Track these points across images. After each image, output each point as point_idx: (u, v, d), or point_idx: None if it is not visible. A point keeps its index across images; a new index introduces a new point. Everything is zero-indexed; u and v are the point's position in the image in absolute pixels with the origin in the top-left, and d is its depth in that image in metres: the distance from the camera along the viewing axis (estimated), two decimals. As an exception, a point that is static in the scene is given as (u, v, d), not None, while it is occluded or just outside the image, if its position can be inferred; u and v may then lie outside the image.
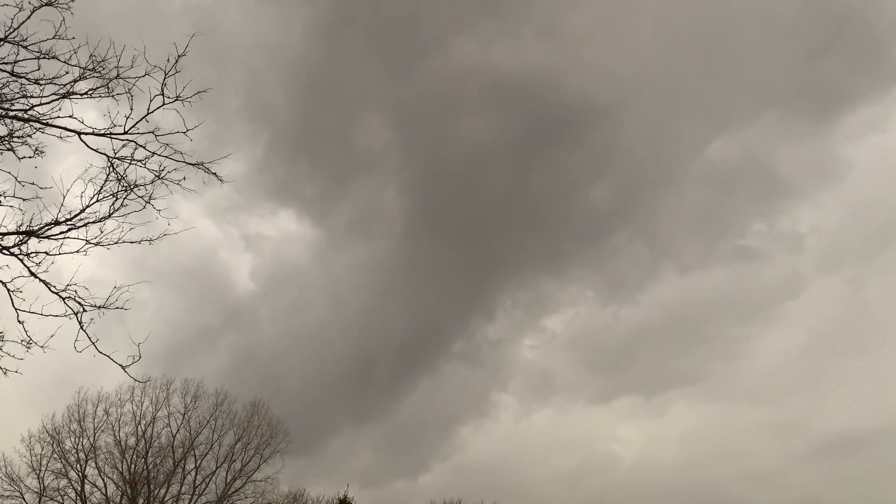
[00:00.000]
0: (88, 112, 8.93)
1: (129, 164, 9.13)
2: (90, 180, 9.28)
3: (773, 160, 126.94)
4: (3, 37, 8.53)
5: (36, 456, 48.90)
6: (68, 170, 9.20)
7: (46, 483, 48.57)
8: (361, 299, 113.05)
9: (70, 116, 8.75)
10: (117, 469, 51.05)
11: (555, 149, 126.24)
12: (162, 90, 8.85)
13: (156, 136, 8.95)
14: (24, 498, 47.84)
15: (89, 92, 8.76)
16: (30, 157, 9.03)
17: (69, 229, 9.26)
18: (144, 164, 9.13)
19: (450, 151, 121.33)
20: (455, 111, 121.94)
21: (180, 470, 52.17)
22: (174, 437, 52.59)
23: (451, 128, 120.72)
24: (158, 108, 8.88)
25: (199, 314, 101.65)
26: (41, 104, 8.80)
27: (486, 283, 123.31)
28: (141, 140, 9.02)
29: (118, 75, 8.84)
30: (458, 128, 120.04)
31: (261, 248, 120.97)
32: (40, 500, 48.00)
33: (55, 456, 49.65)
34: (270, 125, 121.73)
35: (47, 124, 8.81)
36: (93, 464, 50.48)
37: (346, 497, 43.61)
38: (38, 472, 48.58)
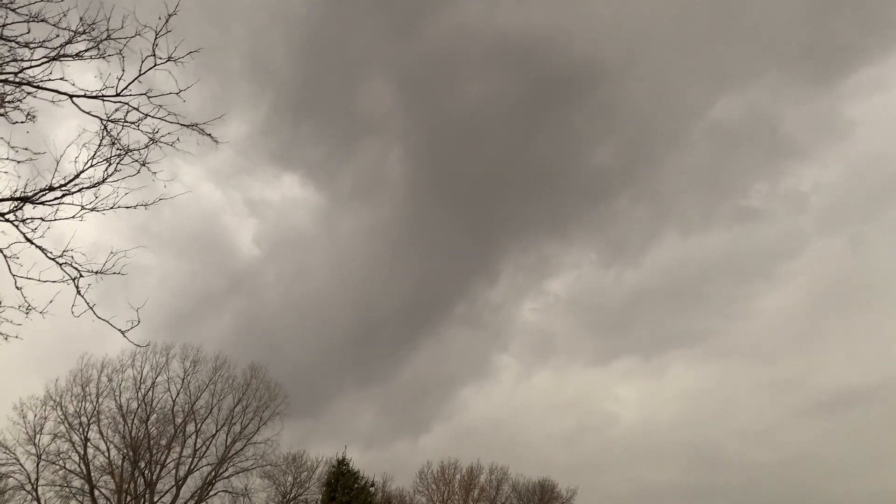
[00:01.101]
0: (86, 75, 8.80)
1: (123, 126, 9.03)
2: (84, 145, 9.19)
3: (777, 119, 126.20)
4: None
5: (30, 423, 49.17)
6: (65, 136, 9.12)
7: (43, 447, 48.96)
8: (365, 263, 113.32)
9: (61, 79, 8.63)
10: (119, 433, 51.53)
11: (559, 109, 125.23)
12: (153, 51, 8.71)
13: (148, 97, 8.85)
14: (21, 465, 48.22)
15: (80, 54, 8.63)
16: (22, 122, 8.94)
17: (64, 195, 9.20)
18: (137, 125, 9.03)
19: (453, 113, 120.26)
20: (459, 72, 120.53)
21: (181, 434, 52.74)
22: (174, 401, 53.06)
23: (455, 89, 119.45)
24: (150, 69, 8.74)
25: (203, 279, 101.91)
26: (32, 67, 8.68)
27: (489, 247, 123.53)
28: (134, 102, 8.91)
29: (108, 36, 8.69)
30: (461, 89, 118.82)
31: (264, 213, 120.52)
32: (38, 464, 48.43)
33: (57, 419, 49.99)
34: (273, 87, 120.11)
35: (39, 87, 8.70)
36: (95, 427, 50.93)
37: (343, 458, 44.19)
38: (33, 438, 48.92)
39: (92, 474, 49.55)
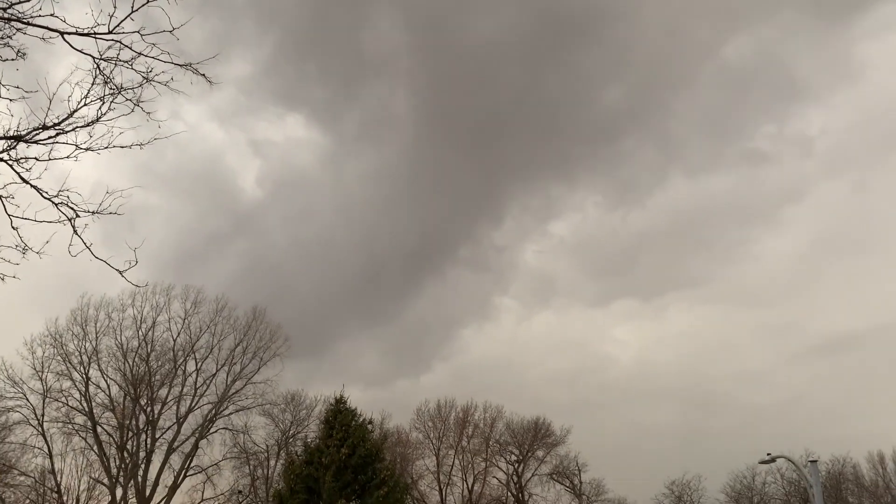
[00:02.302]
0: (78, 12, 8.57)
1: (116, 65, 8.86)
2: (76, 84, 9.04)
3: (787, 60, 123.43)
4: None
5: (38, 359, 49.73)
6: (63, 74, 8.94)
7: (49, 384, 49.65)
8: (370, 205, 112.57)
9: (52, 15, 8.42)
10: (120, 371, 52.20)
11: (568, 49, 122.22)
12: (146, -14, 8.47)
13: (141, 35, 8.64)
14: (28, 399, 49.02)
15: (69, -12, 8.40)
16: (12, 60, 8.76)
17: (58, 134, 9.08)
18: (131, 64, 8.85)
19: (461, 52, 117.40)
20: (467, 9, 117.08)
21: (181, 372, 53.49)
22: (175, 340, 53.66)
23: (464, 27, 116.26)
24: (143, 5, 8.51)
25: (207, 220, 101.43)
26: (21, 2, 8.46)
27: (495, 189, 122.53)
28: (127, 40, 8.70)
29: (98, -30, 8.44)
30: (470, 27, 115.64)
31: (268, 154, 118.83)
32: (44, 400, 49.18)
33: (58, 358, 50.58)
34: (278, 24, 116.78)
35: (28, 24, 8.49)
36: (96, 366, 51.57)
37: (341, 396, 45.12)
38: (40, 374, 49.55)
39: (94, 411, 50.46)
